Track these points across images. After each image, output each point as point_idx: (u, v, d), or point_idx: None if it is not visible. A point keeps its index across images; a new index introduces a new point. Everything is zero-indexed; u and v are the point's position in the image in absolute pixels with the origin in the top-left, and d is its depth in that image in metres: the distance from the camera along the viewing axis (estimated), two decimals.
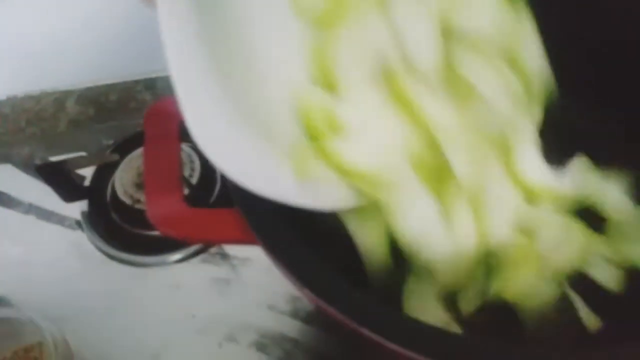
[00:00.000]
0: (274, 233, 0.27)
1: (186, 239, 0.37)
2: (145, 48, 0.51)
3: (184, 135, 0.37)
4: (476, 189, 0.27)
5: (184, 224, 0.29)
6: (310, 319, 0.39)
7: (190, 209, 0.30)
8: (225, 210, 0.29)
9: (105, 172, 0.46)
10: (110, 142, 0.49)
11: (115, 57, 0.52)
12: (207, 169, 0.45)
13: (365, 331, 0.23)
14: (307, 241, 0.31)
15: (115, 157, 0.45)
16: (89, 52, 0.51)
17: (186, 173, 0.44)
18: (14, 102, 0.52)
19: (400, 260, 0.28)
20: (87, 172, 0.47)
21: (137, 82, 0.53)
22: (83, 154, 0.48)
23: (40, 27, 0.49)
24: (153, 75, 0.53)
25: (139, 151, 0.46)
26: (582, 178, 0.31)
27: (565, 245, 0.28)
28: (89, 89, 0.53)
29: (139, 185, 0.44)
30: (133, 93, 0.52)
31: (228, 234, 0.29)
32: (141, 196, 0.44)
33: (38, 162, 0.48)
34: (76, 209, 0.46)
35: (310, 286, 0.25)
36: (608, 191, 0.31)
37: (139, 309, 0.41)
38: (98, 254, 0.44)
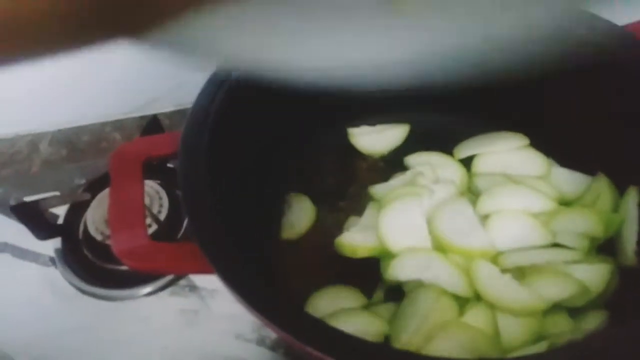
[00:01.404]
0: (228, 265, 0.29)
1: (150, 271, 0.39)
2: (114, 90, 0.54)
3: (151, 173, 0.40)
4: None
5: (147, 257, 0.31)
6: (275, 346, 0.41)
7: (153, 242, 0.32)
8: (184, 243, 0.32)
9: (77, 210, 0.49)
10: (83, 181, 0.51)
11: (85, 99, 0.55)
12: (175, 205, 0.48)
13: (310, 349, 0.26)
14: (262, 273, 0.34)
15: (87, 196, 0.47)
16: (61, 95, 0.54)
17: (155, 209, 0.47)
18: None
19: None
20: (60, 211, 0.49)
21: (106, 123, 0.55)
22: (56, 193, 0.50)
23: (14, 73, 0.51)
24: (121, 117, 0.56)
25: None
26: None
27: None
28: (61, 130, 0.55)
29: None
30: (103, 134, 0.55)
31: (188, 266, 0.31)
32: None
33: (13, 202, 0.50)
34: (50, 246, 0.47)
35: (261, 312, 0.28)
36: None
37: (112, 342, 0.42)
38: (72, 289, 0.46)
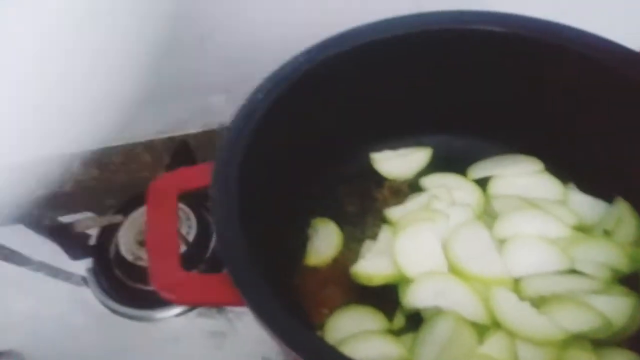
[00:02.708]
0: (261, 299, 0.31)
1: (183, 303, 0.41)
2: (144, 111, 0.56)
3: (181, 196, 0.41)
4: None
5: (182, 289, 0.33)
6: None
7: (187, 274, 0.34)
8: (217, 275, 0.33)
9: (109, 231, 0.51)
10: (113, 201, 0.53)
11: (115, 120, 0.56)
12: (203, 226, 0.49)
13: None
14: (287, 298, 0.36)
15: (120, 218, 0.49)
16: (92, 116, 0.55)
17: (183, 231, 0.49)
18: (25, 167, 0.56)
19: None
20: (93, 231, 0.51)
21: (136, 144, 0.57)
22: (88, 213, 0.52)
23: (46, 94, 0.53)
24: (152, 138, 0.57)
25: (141, 211, 0.51)
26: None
27: None
28: (92, 152, 0.57)
29: (141, 243, 0.49)
30: (133, 154, 0.57)
31: (221, 298, 0.32)
32: (142, 253, 0.48)
33: (47, 222, 0.52)
34: (82, 266, 0.50)
35: (289, 344, 0.29)
36: None
37: None
38: (102, 308, 0.48)
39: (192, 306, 0.45)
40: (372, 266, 0.40)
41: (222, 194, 0.35)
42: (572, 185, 0.43)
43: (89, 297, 0.48)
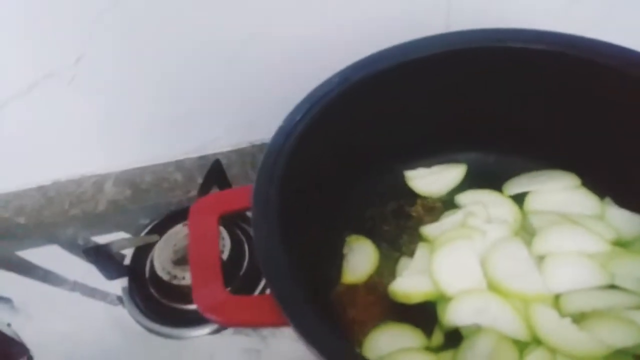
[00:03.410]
0: (304, 319, 0.32)
1: (227, 325, 0.42)
2: (174, 131, 0.58)
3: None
4: None
5: (226, 311, 0.34)
6: None
7: (232, 297, 0.36)
8: (260, 297, 0.35)
9: (143, 250, 0.52)
10: (147, 221, 0.55)
11: (147, 140, 0.59)
12: (236, 244, 0.51)
13: None
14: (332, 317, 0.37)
15: (156, 238, 0.51)
16: (123, 136, 0.58)
17: None
18: (57, 186, 0.59)
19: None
20: (128, 251, 0.53)
21: (167, 164, 0.59)
22: (122, 232, 0.54)
23: (78, 117, 0.56)
24: (182, 157, 0.59)
25: (175, 229, 0.52)
26: None
27: None
28: (124, 171, 0.59)
29: (176, 262, 0.50)
30: (165, 174, 0.59)
31: (264, 320, 0.34)
32: (178, 272, 0.50)
33: (81, 241, 0.54)
34: (117, 285, 0.51)
35: None
36: None
37: None
38: (138, 327, 0.49)
39: (236, 327, 0.46)
40: (409, 284, 0.41)
41: (263, 216, 0.37)
42: (609, 200, 0.44)
43: (125, 317, 0.50)
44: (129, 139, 0.58)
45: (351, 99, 0.42)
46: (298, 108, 0.40)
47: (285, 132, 0.40)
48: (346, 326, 0.42)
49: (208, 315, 0.34)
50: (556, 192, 0.45)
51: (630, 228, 0.42)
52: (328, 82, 0.41)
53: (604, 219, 0.43)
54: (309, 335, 0.31)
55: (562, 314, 0.38)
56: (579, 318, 0.38)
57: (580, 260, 0.40)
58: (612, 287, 0.39)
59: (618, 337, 0.36)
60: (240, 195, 0.38)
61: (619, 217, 0.43)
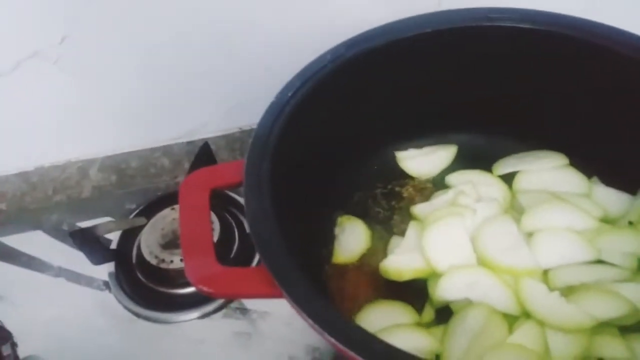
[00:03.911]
0: (297, 288, 0.33)
1: (220, 296, 0.42)
2: (162, 116, 0.58)
3: None
4: None
5: (218, 282, 0.35)
6: None
7: (224, 268, 0.36)
8: (254, 268, 0.35)
9: (130, 235, 0.53)
10: (133, 206, 0.56)
11: (133, 125, 0.59)
12: (226, 228, 0.51)
13: None
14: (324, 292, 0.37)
15: (143, 221, 0.51)
16: (109, 121, 0.58)
17: None
18: (41, 172, 0.59)
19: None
20: (114, 236, 0.53)
21: (155, 149, 0.59)
22: (108, 218, 0.54)
23: (62, 100, 0.56)
24: (170, 142, 0.60)
25: (163, 213, 0.53)
26: None
27: None
28: (110, 157, 0.59)
29: (164, 246, 0.51)
30: (152, 159, 0.59)
31: (258, 290, 0.34)
32: (166, 256, 0.50)
33: (66, 227, 0.54)
34: (103, 270, 0.51)
35: (333, 334, 0.31)
36: None
37: None
38: (125, 312, 0.49)
39: (228, 298, 0.47)
40: (401, 261, 0.42)
41: (255, 190, 0.37)
42: (595, 179, 0.46)
43: (112, 302, 0.50)
44: (114, 124, 0.58)
45: (343, 76, 0.43)
46: (290, 84, 0.41)
47: (278, 108, 0.40)
48: (338, 304, 0.42)
49: (200, 287, 0.35)
50: (544, 171, 0.47)
51: (616, 205, 0.44)
52: (321, 58, 0.42)
53: (591, 197, 0.45)
54: (302, 303, 0.32)
55: (551, 288, 0.39)
56: (567, 292, 0.39)
57: (568, 236, 0.42)
58: (599, 261, 0.41)
59: (604, 309, 0.38)
60: (232, 169, 0.39)
61: (606, 195, 0.45)
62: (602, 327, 0.38)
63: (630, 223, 0.43)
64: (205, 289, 0.34)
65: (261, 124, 0.40)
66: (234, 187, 0.40)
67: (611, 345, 0.37)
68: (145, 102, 0.57)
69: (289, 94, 0.41)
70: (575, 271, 0.40)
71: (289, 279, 0.33)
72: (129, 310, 0.49)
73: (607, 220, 0.43)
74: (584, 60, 0.43)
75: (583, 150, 0.47)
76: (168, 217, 0.52)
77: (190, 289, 0.49)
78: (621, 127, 0.44)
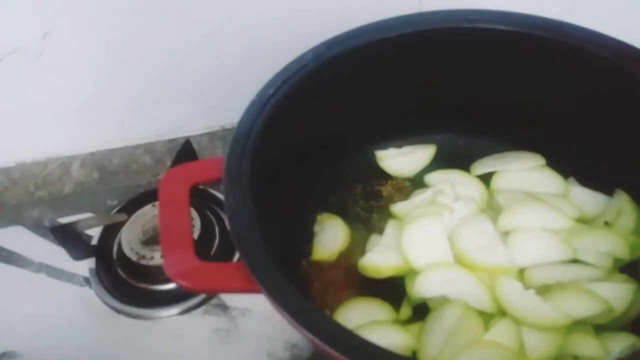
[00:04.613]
0: (274, 284, 0.33)
1: (199, 290, 0.43)
2: (144, 113, 0.58)
3: None
4: None
5: (197, 277, 0.35)
6: None
7: (203, 263, 0.36)
8: (232, 263, 0.36)
9: (111, 231, 0.53)
10: (114, 202, 0.56)
11: (116, 122, 0.59)
12: (206, 224, 0.52)
13: None
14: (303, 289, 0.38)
15: (124, 217, 0.51)
16: (92, 118, 0.58)
17: None
18: (22, 168, 0.59)
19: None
20: (95, 232, 0.53)
21: (137, 146, 0.60)
22: (89, 214, 0.55)
23: (45, 96, 0.56)
24: (152, 140, 0.60)
25: (144, 210, 0.53)
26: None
27: None
28: (92, 153, 0.59)
29: (144, 242, 0.51)
30: (134, 157, 0.59)
31: (236, 285, 0.35)
32: (146, 252, 0.50)
33: (47, 223, 0.54)
34: (84, 266, 0.51)
35: (311, 330, 0.31)
36: None
37: None
38: (105, 308, 0.50)
39: (207, 293, 0.47)
40: (379, 259, 0.43)
41: (235, 186, 0.38)
42: (572, 180, 0.47)
43: (92, 298, 0.50)
44: (96, 120, 0.58)
45: (324, 75, 0.43)
46: (271, 82, 0.42)
47: (258, 106, 0.41)
48: (316, 301, 0.43)
49: (178, 281, 0.35)
50: (522, 171, 0.47)
51: (592, 206, 0.45)
52: (302, 57, 0.43)
53: (567, 197, 0.46)
54: (279, 299, 0.33)
55: (527, 287, 0.40)
56: (542, 290, 0.40)
57: (544, 235, 0.42)
58: (575, 261, 0.42)
59: (579, 308, 0.39)
60: (212, 166, 0.40)
61: (582, 196, 0.46)
62: (577, 325, 0.38)
63: (606, 223, 0.44)
64: (183, 283, 0.35)
65: (242, 121, 0.40)
66: (214, 183, 0.40)
67: (586, 343, 0.38)
68: (127, 99, 0.57)
69: (270, 92, 0.41)
70: (551, 270, 0.41)
71: (267, 275, 0.34)
72: (109, 306, 0.50)
73: (583, 220, 0.44)
74: (561, 62, 0.44)
75: (560, 150, 0.47)
76: (149, 213, 0.52)
77: (170, 285, 0.49)
78: (597, 128, 0.45)
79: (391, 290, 0.42)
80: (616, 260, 0.41)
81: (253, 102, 0.41)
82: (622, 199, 0.44)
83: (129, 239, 0.51)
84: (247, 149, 0.40)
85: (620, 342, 0.38)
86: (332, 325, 0.32)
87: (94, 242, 0.53)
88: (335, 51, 0.43)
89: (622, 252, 0.41)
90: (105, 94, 0.56)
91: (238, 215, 0.36)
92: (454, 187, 0.46)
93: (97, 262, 0.52)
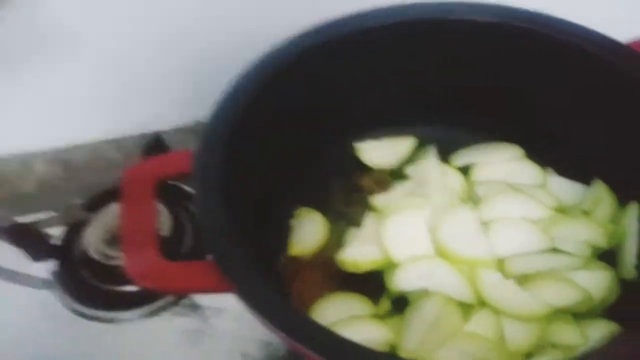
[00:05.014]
0: (246, 281, 0.32)
1: (163, 291, 0.41)
2: (113, 107, 0.56)
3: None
4: None
5: (161, 277, 0.34)
6: None
7: (167, 262, 0.34)
8: (199, 262, 0.34)
9: (74, 230, 0.51)
10: (79, 201, 0.53)
11: (82, 116, 0.57)
12: (176, 222, 0.50)
13: None
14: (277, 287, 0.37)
15: (87, 215, 0.49)
16: (56, 112, 0.56)
17: None
18: None
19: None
20: (56, 231, 0.51)
21: (105, 141, 0.58)
22: (52, 213, 0.52)
23: (7, 90, 0.54)
24: (121, 135, 0.58)
25: (109, 208, 0.51)
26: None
27: None
28: (56, 149, 0.57)
29: (110, 242, 0.49)
30: (101, 152, 0.57)
31: (203, 284, 0.33)
32: (112, 252, 0.48)
33: (6, 223, 0.51)
34: (44, 268, 0.49)
35: (284, 329, 0.30)
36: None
37: None
38: (68, 312, 0.47)
39: (174, 294, 0.45)
40: (358, 252, 0.42)
41: (205, 181, 0.37)
42: (550, 170, 0.47)
43: (53, 301, 0.48)
44: (61, 114, 0.56)
45: (301, 66, 0.42)
46: (247, 73, 0.41)
47: (232, 97, 0.40)
48: (293, 297, 0.42)
49: (141, 283, 0.33)
50: (500, 163, 0.47)
51: (570, 195, 0.45)
52: (278, 47, 0.42)
53: (545, 187, 0.46)
54: (251, 297, 0.31)
55: (506, 277, 0.40)
56: (522, 280, 0.40)
57: (523, 225, 0.42)
58: (554, 250, 0.42)
59: (559, 296, 0.38)
60: (181, 159, 0.38)
61: (560, 186, 0.46)
62: (556, 314, 0.38)
63: (584, 212, 0.44)
64: (145, 284, 0.33)
65: (214, 113, 0.39)
66: (183, 178, 0.39)
67: (565, 331, 0.37)
68: (95, 93, 0.55)
69: (245, 82, 0.40)
70: (530, 260, 0.41)
71: (238, 272, 0.32)
72: (72, 309, 0.47)
73: (562, 210, 0.44)
74: (542, 54, 0.44)
75: (539, 142, 0.47)
76: (115, 212, 0.50)
77: (137, 286, 0.47)
78: (575, 119, 0.45)
79: (371, 284, 0.41)
80: (594, 249, 0.41)
81: (227, 93, 0.40)
82: (599, 188, 0.44)
83: (93, 239, 0.49)
84: (219, 141, 0.38)
85: (599, 329, 0.38)
86: (307, 324, 0.31)
87: (56, 242, 0.50)
88: (313, 41, 0.42)
89: (600, 240, 0.41)
90: (70, 87, 0.54)
91: (208, 209, 0.35)
92: (434, 178, 0.46)
93: (59, 264, 0.49)
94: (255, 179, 0.42)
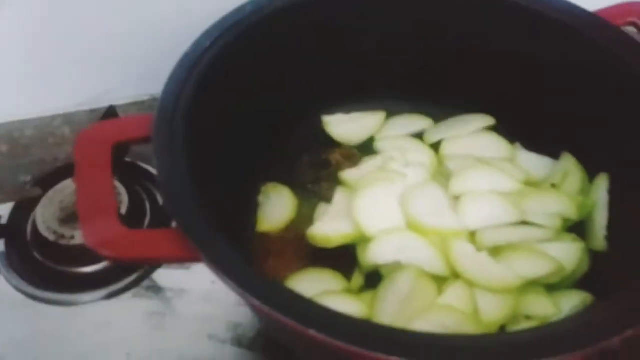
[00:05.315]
0: (214, 247, 0.30)
1: (126, 261, 0.39)
2: (63, 80, 0.53)
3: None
4: None
5: (122, 245, 0.31)
6: (252, 345, 0.42)
7: (128, 230, 0.32)
8: (162, 230, 0.32)
9: (24, 209, 0.47)
10: (28, 178, 0.50)
11: (30, 90, 0.53)
12: (135, 200, 0.48)
13: (312, 332, 0.27)
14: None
15: (38, 191, 0.47)
16: (1, 85, 0.52)
17: None
18: None
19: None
20: (4, 210, 0.47)
21: (54, 116, 0.54)
22: None
23: None
24: (71, 110, 0.55)
25: (62, 185, 0.48)
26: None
27: None
28: (1, 125, 0.53)
29: (63, 220, 0.46)
30: (50, 128, 0.54)
31: (167, 252, 0.31)
32: (66, 231, 0.45)
33: None
34: None
35: (255, 294, 0.28)
36: None
37: (70, 352, 0.42)
38: (20, 295, 0.45)
39: (135, 263, 0.43)
40: (329, 227, 0.41)
41: (166, 146, 0.35)
42: (518, 145, 0.47)
43: (2, 285, 0.45)
44: (6, 88, 0.52)
45: (265, 30, 0.41)
46: (207, 34, 0.39)
47: (193, 58, 0.37)
48: (264, 274, 0.40)
49: (101, 251, 0.31)
50: (470, 137, 0.47)
51: (539, 169, 0.45)
52: (240, 9, 0.40)
53: (514, 161, 0.46)
54: (221, 263, 0.30)
55: (479, 249, 0.40)
56: (494, 252, 0.40)
57: (493, 198, 0.42)
58: (525, 223, 0.42)
59: (531, 268, 0.39)
60: (139, 123, 0.36)
61: (528, 160, 0.46)
62: (529, 285, 0.38)
63: (553, 185, 0.44)
64: (107, 252, 0.31)
65: (174, 75, 0.37)
66: (141, 143, 0.36)
67: (538, 303, 0.38)
68: (42, 63, 0.52)
69: (206, 45, 0.38)
70: (502, 232, 0.41)
71: (205, 237, 0.30)
72: (23, 292, 0.44)
73: (531, 183, 0.44)
74: (510, 24, 0.44)
75: (507, 117, 0.47)
76: (68, 188, 0.47)
77: (95, 267, 0.45)
78: (543, 93, 0.46)
79: (342, 259, 0.41)
80: (565, 221, 0.42)
81: (186, 55, 0.38)
82: (568, 161, 0.44)
83: (45, 217, 0.46)
84: (181, 107, 0.36)
85: (571, 300, 0.38)
86: (278, 288, 0.30)
87: (4, 221, 0.47)
88: (278, 4, 0.41)
89: (570, 212, 0.42)
90: (16, 57, 0.51)
91: (171, 176, 0.33)
92: (404, 153, 0.45)
93: (7, 244, 0.46)
94: (220, 151, 0.40)
